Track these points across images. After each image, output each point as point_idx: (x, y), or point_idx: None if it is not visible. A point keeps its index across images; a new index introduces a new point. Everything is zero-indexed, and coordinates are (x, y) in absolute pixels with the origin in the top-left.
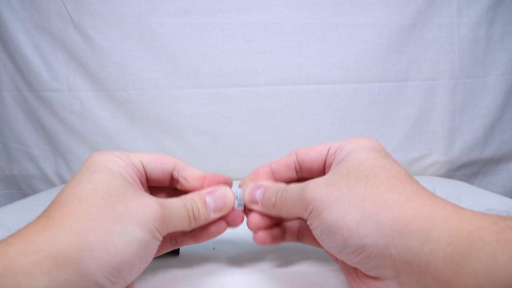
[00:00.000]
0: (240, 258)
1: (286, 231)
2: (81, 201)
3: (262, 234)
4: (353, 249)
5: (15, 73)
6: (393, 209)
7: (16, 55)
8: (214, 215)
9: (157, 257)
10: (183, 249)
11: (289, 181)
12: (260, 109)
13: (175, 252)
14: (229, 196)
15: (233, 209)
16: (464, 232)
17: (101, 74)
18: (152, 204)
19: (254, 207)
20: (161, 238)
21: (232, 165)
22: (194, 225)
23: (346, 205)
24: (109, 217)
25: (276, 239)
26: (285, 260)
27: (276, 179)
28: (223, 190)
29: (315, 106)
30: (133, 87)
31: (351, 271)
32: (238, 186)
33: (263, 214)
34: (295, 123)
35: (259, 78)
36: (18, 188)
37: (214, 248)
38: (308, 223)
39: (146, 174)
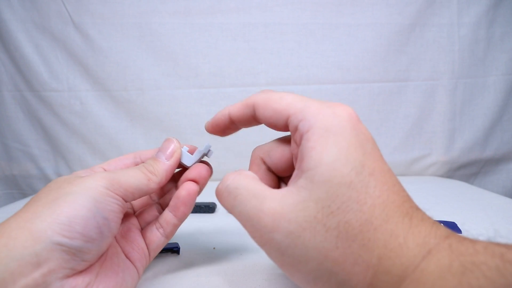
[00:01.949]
0: (240, 258)
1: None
2: (34, 198)
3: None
4: None
5: (15, 73)
6: (366, 277)
7: (16, 55)
8: (169, 162)
9: (157, 257)
10: (184, 249)
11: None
12: None
13: (176, 252)
14: (172, 140)
15: (194, 166)
16: None
17: (101, 74)
18: (95, 174)
19: None
20: (117, 197)
21: (232, 165)
22: (155, 178)
23: (314, 266)
24: (54, 193)
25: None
26: None
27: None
28: (164, 142)
29: None
30: (133, 87)
31: None
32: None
33: None
34: None
35: (259, 78)
36: (18, 188)
37: (214, 248)
38: None
39: None
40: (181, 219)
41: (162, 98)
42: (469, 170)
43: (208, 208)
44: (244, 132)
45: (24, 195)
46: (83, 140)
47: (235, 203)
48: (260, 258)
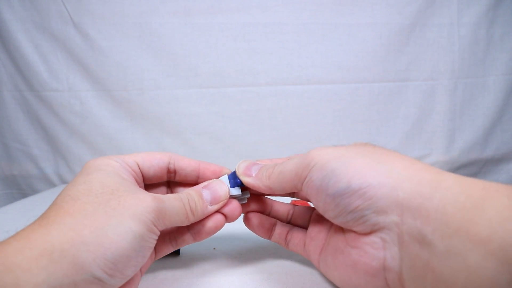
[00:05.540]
0: (240, 258)
1: (276, 228)
2: (75, 200)
3: (253, 216)
4: (356, 189)
5: (15, 73)
6: (402, 161)
7: (16, 55)
8: (211, 208)
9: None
10: (184, 249)
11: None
12: (260, 109)
13: (176, 253)
14: (224, 187)
15: (229, 200)
16: (478, 186)
17: (101, 74)
18: (145, 198)
19: (247, 179)
20: (157, 232)
21: (232, 165)
22: (192, 218)
23: (352, 154)
24: (103, 212)
25: (264, 227)
26: (286, 260)
27: None
28: (217, 182)
29: (315, 106)
30: (133, 87)
31: (339, 241)
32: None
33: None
34: (295, 123)
35: (259, 78)
36: (18, 188)
37: (214, 248)
38: (307, 180)
39: (142, 173)
40: (197, 241)
41: (162, 98)
42: (469, 170)
43: None
44: (244, 132)
45: (24, 195)
46: (83, 140)
47: (275, 183)
48: (260, 258)
